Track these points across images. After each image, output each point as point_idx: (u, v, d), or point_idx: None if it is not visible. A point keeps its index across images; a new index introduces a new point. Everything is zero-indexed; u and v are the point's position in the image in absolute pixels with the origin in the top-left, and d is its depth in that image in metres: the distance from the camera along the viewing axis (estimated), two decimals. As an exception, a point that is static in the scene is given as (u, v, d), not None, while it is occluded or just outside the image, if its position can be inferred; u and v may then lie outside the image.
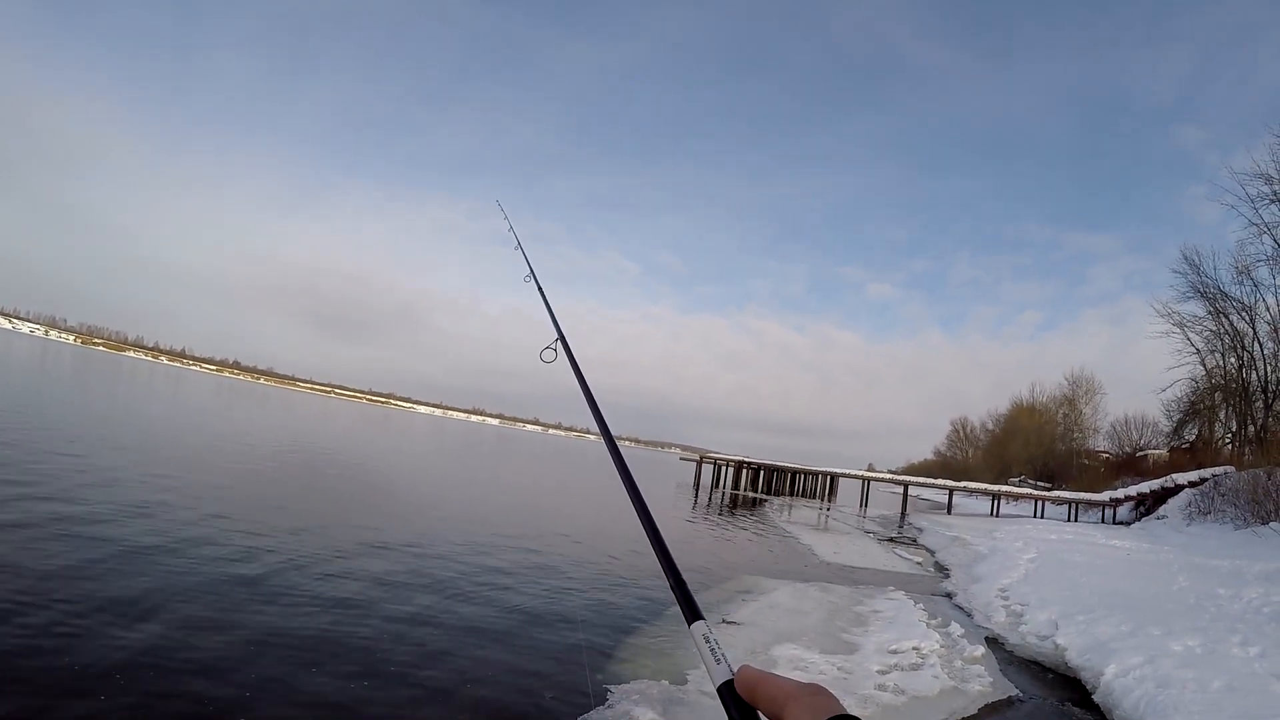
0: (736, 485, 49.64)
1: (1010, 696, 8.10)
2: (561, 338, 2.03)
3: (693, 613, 0.84)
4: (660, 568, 0.97)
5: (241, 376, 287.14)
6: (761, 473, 52.86)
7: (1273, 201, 39.44)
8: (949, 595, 14.52)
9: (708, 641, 0.77)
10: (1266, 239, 40.67)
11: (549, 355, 2.01)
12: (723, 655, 0.74)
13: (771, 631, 9.44)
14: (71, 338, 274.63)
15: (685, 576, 0.92)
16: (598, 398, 1.65)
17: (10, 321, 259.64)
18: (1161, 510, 34.59)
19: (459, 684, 6.41)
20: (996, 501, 46.96)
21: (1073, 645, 9.64)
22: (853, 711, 0.59)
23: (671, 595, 0.89)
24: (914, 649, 9.17)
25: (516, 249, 3.18)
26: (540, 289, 2.63)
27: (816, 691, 0.63)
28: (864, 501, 48.27)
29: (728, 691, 0.69)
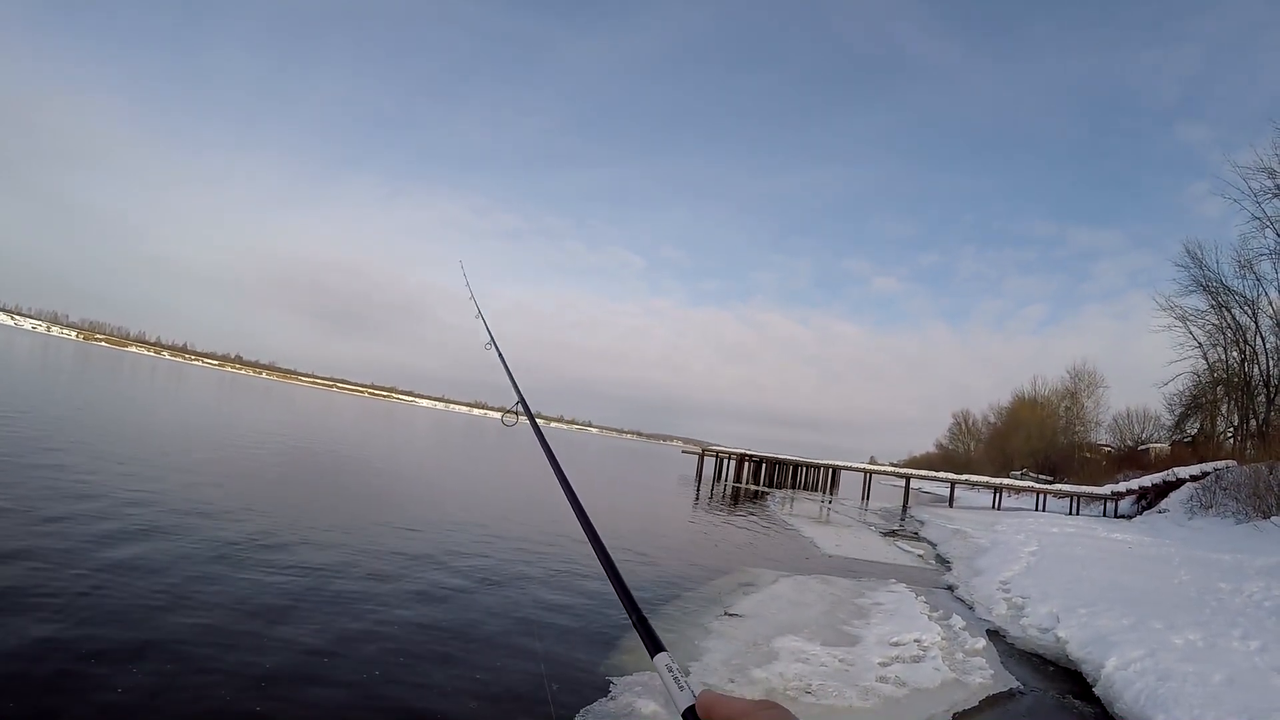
0: (738, 478, 49.66)
1: (1011, 689, 8.13)
2: (522, 400, 2.07)
3: (655, 645, 0.90)
4: (621, 603, 1.01)
5: (244, 371, 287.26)
6: (763, 466, 52.89)
7: (1276, 195, 39.32)
8: (950, 588, 14.55)
9: (670, 671, 0.83)
10: (1269, 232, 40.61)
11: (510, 420, 2.05)
12: (685, 684, 0.79)
13: (773, 624, 9.46)
14: (73, 334, 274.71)
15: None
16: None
17: (12, 318, 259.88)
18: (1163, 504, 34.54)
19: (466, 673, 6.44)
20: (998, 494, 46.95)
21: (1074, 638, 9.65)
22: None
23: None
24: (915, 641, 9.20)
25: (477, 318, 3.17)
26: (500, 355, 2.62)
27: (769, 706, 0.67)
28: (865, 494, 48.30)
29: (690, 717, 0.74)
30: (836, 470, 55.65)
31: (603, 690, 6.36)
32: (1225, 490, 29.31)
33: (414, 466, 28.44)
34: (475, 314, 3.23)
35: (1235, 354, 45.46)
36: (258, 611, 7.13)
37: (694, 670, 7.04)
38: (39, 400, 25.04)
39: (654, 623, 0.94)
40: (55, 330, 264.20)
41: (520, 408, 2.05)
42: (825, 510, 34.14)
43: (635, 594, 1.01)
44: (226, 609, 7.06)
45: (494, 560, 11.31)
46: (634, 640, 8.05)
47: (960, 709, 7.20)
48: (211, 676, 5.56)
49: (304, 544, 10.27)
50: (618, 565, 1.13)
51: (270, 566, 8.80)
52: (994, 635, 10.62)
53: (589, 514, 1.40)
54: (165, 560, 8.32)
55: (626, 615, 0.98)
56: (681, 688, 0.78)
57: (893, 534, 25.75)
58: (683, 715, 0.75)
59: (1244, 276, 43.50)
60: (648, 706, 5.92)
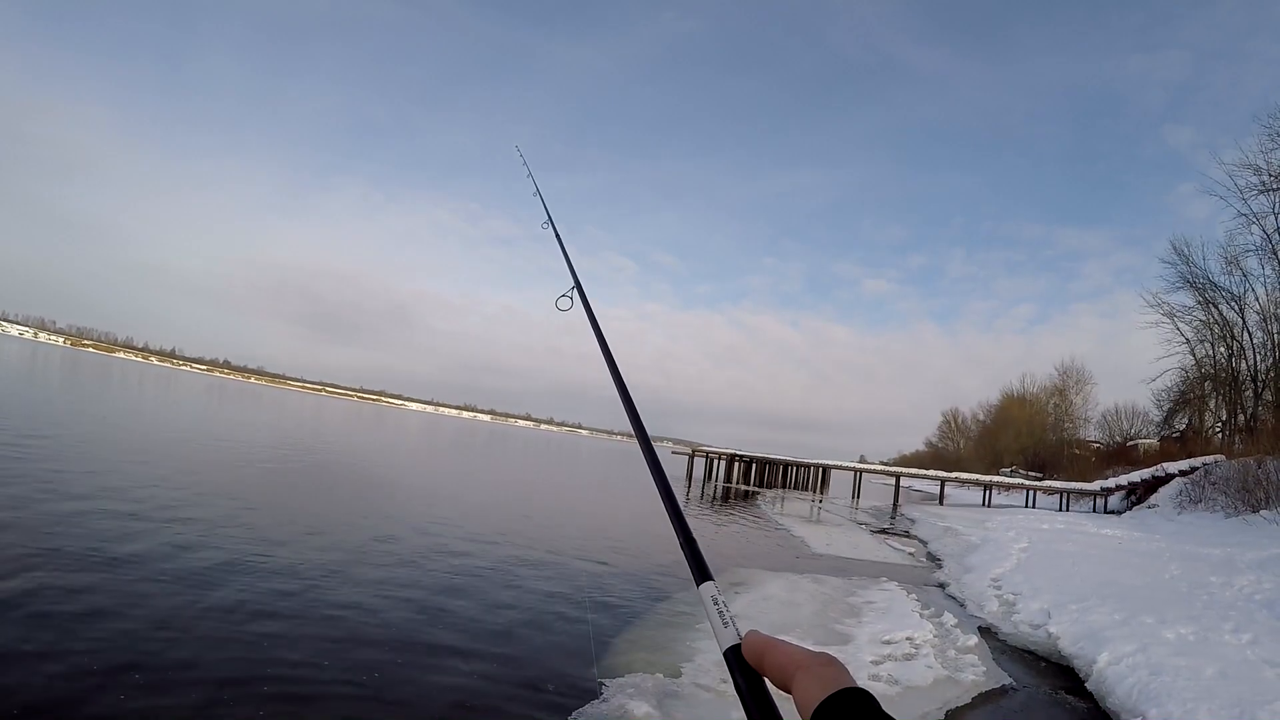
0: (729, 478, 49.63)
1: (1004, 685, 8.11)
2: (578, 285, 1.99)
3: (702, 573, 0.81)
4: (672, 528, 0.95)
5: (232, 376, 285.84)
6: (754, 466, 52.88)
7: (1261, 192, 39.65)
8: (942, 585, 14.55)
9: (716, 604, 0.75)
10: (1255, 229, 40.92)
11: (565, 304, 1.98)
12: (731, 619, 0.72)
13: (765, 624, 9.42)
14: (61, 340, 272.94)
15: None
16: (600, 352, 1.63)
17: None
18: (1152, 499, 34.75)
19: (464, 675, 6.40)
20: (988, 492, 47.11)
21: (1065, 634, 9.66)
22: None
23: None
24: (907, 639, 9.18)
25: (535, 195, 3.13)
26: (558, 236, 2.58)
27: (827, 662, 0.60)
28: (856, 493, 48.37)
29: (734, 657, 0.68)
30: (827, 469, 55.73)
31: (594, 693, 6.31)
32: (1214, 485, 29.49)
33: (424, 470, 28.34)
34: (534, 192, 3.20)
35: (1223, 349, 45.81)
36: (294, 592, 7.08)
37: (686, 671, 6.99)
38: (42, 413, 24.82)
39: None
40: (43, 336, 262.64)
41: (575, 293, 1.99)
42: (816, 509, 34.17)
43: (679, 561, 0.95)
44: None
45: (496, 559, 11.28)
46: (624, 643, 8.02)
47: (953, 706, 7.18)
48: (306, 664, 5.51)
49: (305, 548, 10.20)
50: (670, 483, 1.07)
51: (278, 569, 8.75)
52: (986, 632, 10.61)
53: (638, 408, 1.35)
54: (250, 572, 8.26)
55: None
56: (726, 624, 0.71)
57: (883, 532, 25.77)
58: (725, 654, 0.68)
59: (1230, 273, 43.89)
60: (640, 709, 5.87)
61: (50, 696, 5.05)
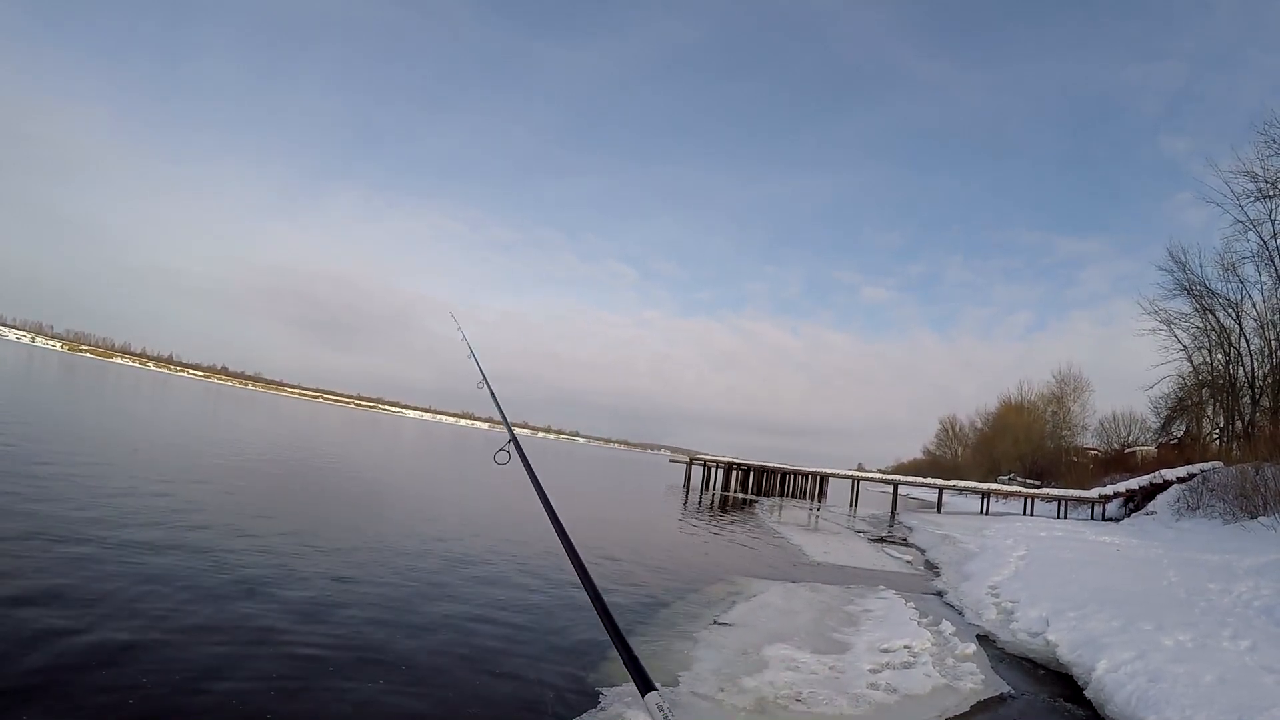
0: (726, 486, 49.50)
1: (1002, 694, 8.09)
2: (514, 439, 2.04)
3: (645, 684, 0.80)
4: (607, 635, 0.93)
5: (229, 382, 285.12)
6: (751, 474, 52.73)
7: (1258, 198, 39.80)
8: (939, 593, 14.52)
9: (661, 711, 0.74)
10: (1252, 235, 41.06)
11: (503, 458, 2.05)
12: None
13: (763, 632, 9.40)
14: (58, 344, 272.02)
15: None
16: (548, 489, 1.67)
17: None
18: (1150, 506, 34.73)
19: (455, 685, 6.36)
20: (986, 499, 47.07)
21: (1064, 641, 9.64)
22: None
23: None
24: (905, 647, 9.15)
25: (470, 358, 3.16)
26: (493, 395, 2.62)
27: None
28: (854, 501, 48.29)
29: None
30: (824, 477, 55.59)
31: (592, 701, 6.29)
32: (1212, 491, 29.47)
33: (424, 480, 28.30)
34: (468, 354, 3.22)
35: (1220, 356, 45.92)
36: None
37: (684, 680, 6.97)
38: (45, 417, 24.77)
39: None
40: (40, 341, 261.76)
41: (512, 447, 2.03)
42: (814, 517, 34.08)
43: (626, 636, 0.93)
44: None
45: (489, 565, 11.25)
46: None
47: (951, 714, 7.15)
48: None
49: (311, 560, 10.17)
50: (607, 602, 1.06)
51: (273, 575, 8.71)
52: (984, 640, 10.58)
53: (578, 549, 1.34)
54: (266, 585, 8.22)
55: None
56: None
57: (881, 540, 25.69)
58: None
59: (1227, 279, 44.06)
60: (638, 717, 5.85)
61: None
